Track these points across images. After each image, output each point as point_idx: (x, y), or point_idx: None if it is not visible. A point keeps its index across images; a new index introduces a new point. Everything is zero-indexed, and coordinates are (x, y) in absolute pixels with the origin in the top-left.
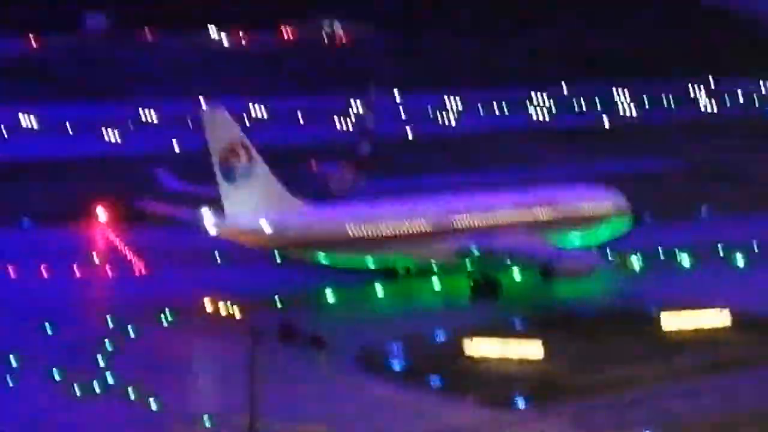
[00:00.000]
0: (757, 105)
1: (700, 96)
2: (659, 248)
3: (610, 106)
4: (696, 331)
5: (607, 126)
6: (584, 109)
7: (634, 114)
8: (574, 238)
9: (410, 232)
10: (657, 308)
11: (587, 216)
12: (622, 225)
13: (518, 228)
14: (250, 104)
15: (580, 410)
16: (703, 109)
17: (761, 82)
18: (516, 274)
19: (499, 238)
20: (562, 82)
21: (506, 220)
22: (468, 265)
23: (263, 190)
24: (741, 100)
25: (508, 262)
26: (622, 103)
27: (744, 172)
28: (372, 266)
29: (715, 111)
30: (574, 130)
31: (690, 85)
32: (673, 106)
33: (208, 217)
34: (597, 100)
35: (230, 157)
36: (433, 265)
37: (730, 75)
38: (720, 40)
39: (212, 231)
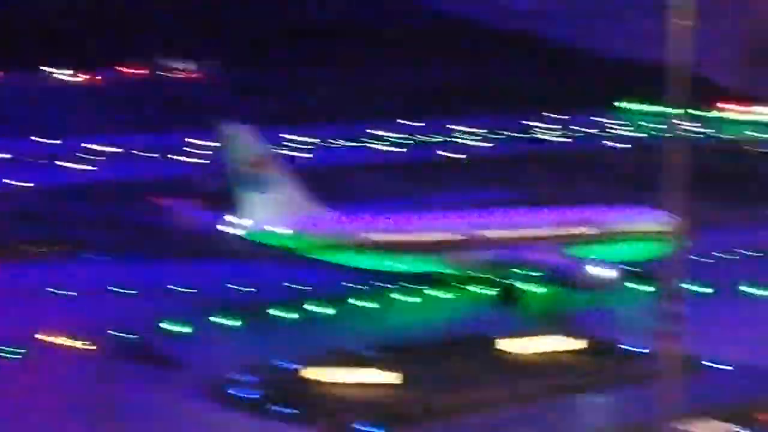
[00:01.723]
0: (601, 137)
1: (541, 130)
2: None
3: (452, 140)
4: (540, 355)
5: (448, 158)
6: (426, 142)
7: (476, 146)
8: (607, 254)
9: (435, 241)
10: (505, 333)
11: (622, 233)
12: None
13: (544, 242)
14: (95, 142)
15: None
16: (542, 142)
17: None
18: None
19: (522, 251)
20: (404, 117)
21: (533, 235)
22: (490, 274)
23: (288, 198)
24: (584, 133)
25: (530, 274)
26: (463, 137)
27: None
28: (392, 270)
29: (555, 143)
30: (417, 163)
31: (532, 119)
32: (513, 139)
33: (236, 221)
34: (438, 135)
35: (254, 169)
36: (460, 274)
37: (573, 108)
38: (565, 76)
39: (240, 234)
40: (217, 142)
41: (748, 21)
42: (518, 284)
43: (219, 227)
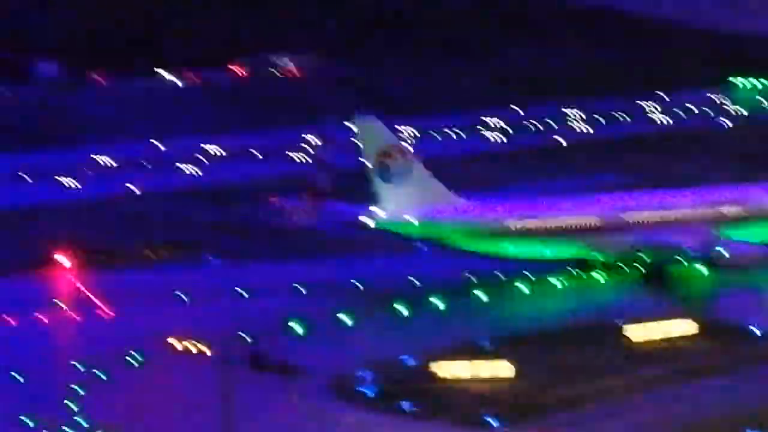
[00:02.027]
0: (710, 114)
1: (652, 110)
2: None
3: (563, 125)
4: (664, 340)
5: (564, 144)
6: (538, 129)
7: (589, 131)
8: (757, 234)
9: (581, 225)
10: (623, 319)
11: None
12: None
13: (691, 223)
14: (206, 143)
15: (556, 426)
16: (655, 123)
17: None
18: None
19: (669, 232)
20: (513, 104)
21: (679, 216)
22: (639, 257)
23: (421, 187)
24: (693, 112)
25: (678, 255)
26: (575, 122)
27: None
28: (537, 257)
29: (667, 124)
30: (529, 150)
31: (641, 100)
32: (625, 121)
33: (371, 212)
34: (548, 120)
35: (386, 159)
36: (605, 257)
37: (678, 88)
38: (663, 55)
39: (372, 225)
40: (323, 138)
41: None
42: (666, 266)
43: (359, 218)
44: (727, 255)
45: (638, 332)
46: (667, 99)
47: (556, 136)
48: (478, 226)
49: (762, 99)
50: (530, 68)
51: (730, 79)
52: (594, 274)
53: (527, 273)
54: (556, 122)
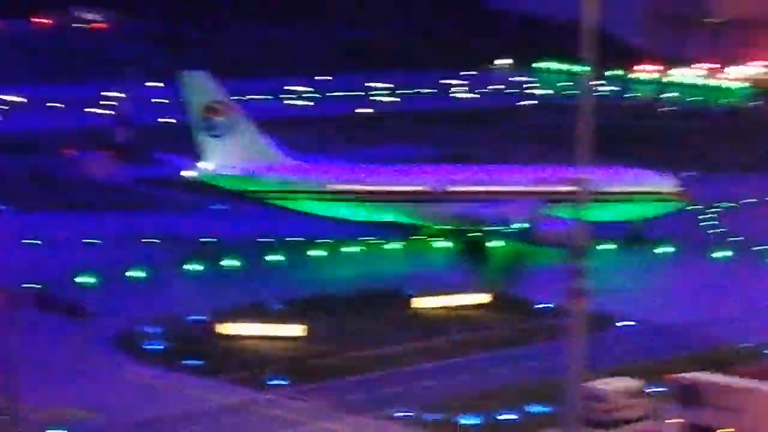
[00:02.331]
0: (515, 93)
1: (458, 86)
2: None
3: (371, 96)
4: (453, 310)
5: (368, 114)
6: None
7: (394, 102)
8: (594, 215)
9: (407, 191)
10: (416, 290)
11: (610, 194)
12: (660, 207)
13: (519, 198)
14: (6, 93)
15: (338, 389)
16: (459, 99)
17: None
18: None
19: (493, 205)
20: (323, 74)
21: (509, 190)
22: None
23: (248, 144)
24: (497, 89)
25: (497, 228)
26: (381, 93)
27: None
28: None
29: (471, 100)
30: (339, 118)
31: (449, 75)
32: (431, 95)
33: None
34: (359, 90)
35: (212, 115)
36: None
37: (485, 66)
38: (473, 32)
39: (195, 177)
40: (125, 92)
41: None
42: (483, 239)
43: (182, 172)
44: (542, 231)
45: (430, 302)
46: (479, 77)
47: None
48: (301, 186)
49: (568, 82)
50: (354, 39)
51: (537, 62)
52: (411, 242)
53: (337, 238)
54: (367, 92)
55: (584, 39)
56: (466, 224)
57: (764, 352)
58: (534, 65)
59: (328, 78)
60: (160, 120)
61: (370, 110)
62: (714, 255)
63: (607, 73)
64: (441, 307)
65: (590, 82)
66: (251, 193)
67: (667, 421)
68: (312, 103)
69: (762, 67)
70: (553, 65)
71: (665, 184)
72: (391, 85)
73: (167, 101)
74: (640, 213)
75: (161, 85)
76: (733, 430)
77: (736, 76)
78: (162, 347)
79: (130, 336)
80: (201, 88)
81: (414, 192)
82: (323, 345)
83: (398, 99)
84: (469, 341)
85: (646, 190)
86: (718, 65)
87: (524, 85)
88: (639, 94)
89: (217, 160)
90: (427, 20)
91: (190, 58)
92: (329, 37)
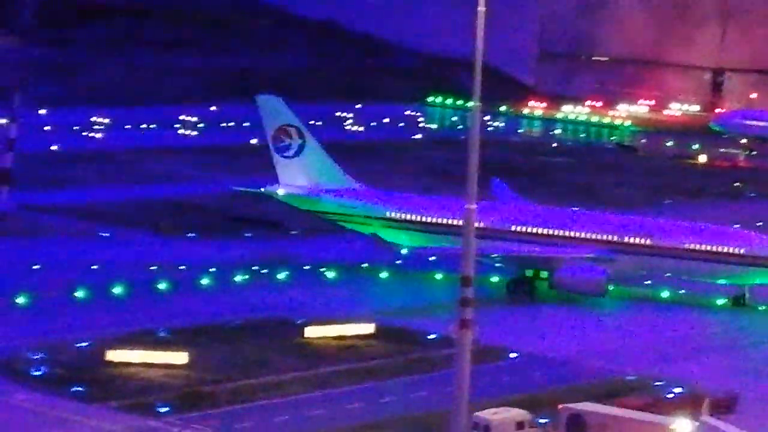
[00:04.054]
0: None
1: (350, 119)
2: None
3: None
4: (342, 339)
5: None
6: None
7: None
8: None
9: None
10: (304, 319)
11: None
12: None
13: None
14: None
15: (225, 417)
16: (351, 131)
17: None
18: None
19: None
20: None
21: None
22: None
23: (315, 165)
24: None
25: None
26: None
27: None
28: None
29: (362, 132)
30: (222, 148)
31: (341, 108)
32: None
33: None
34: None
35: (284, 136)
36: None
37: (375, 99)
38: (364, 65)
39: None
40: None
41: (554, 20)
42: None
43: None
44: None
45: (318, 331)
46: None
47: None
48: (363, 210)
49: (454, 117)
50: (245, 69)
51: (429, 96)
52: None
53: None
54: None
55: (473, 75)
56: (522, 263)
57: (654, 384)
58: (427, 99)
59: (214, 108)
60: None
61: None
62: None
63: (499, 109)
64: (333, 337)
65: (478, 118)
66: (318, 213)
67: None
68: (196, 133)
69: (647, 105)
70: (447, 100)
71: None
72: None
73: (53, 128)
74: None
75: (44, 111)
76: None
77: (623, 113)
78: (48, 373)
79: (15, 362)
80: (275, 111)
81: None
82: (211, 373)
83: None
84: (358, 371)
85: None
86: (604, 102)
87: (417, 119)
88: (528, 130)
89: (290, 180)
90: (320, 52)
91: (75, 84)
92: (220, 66)
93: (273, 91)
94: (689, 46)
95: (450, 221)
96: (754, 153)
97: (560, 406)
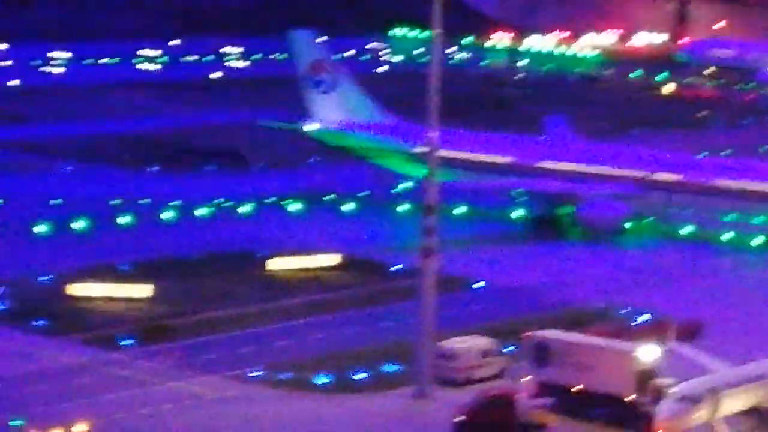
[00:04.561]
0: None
1: None
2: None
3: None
4: (306, 272)
5: (215, 77)
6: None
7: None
8: None
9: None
10: (268, 251)
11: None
12: None
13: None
14: None
15: (189, 349)
16: None
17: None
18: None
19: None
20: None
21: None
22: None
23: (350, 100)
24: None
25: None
26: (225, 57)
27: None
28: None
29: None
30: (177, 83)
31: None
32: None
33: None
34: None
35: (318, 71)
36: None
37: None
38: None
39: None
40: None
41: None
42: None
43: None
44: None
45: (281, 263)
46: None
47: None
48: (392, 146)
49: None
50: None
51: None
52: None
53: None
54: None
55: (434, 6)
56: (547, 199)
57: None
58: (389, 32)
59: (178, 42)
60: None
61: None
62: None
63: (462, 42)
64: (297, 269)
65: (439, 50)
66: (350, 149)
67: (520, 380)
68: (160, 67)
69: (613, 35)
70: (411, 32)
71: None
72: (242, 50)
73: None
74: None
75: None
76: (582, 386)
77: (589, 44)
78: (9, 308)
79: None
80: (307, 46)
81: (507, 164)
82: (174, 306)
83: (249, 63)
84: (322, 302)
85: None
86: (570, 34)
87: (379, 52)
88: (493, 62)
89: (324, 116)
90: None
91: (30, 18)
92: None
93: (228, 27)
94: None
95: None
96: (721, 81)
97: (525, 335)
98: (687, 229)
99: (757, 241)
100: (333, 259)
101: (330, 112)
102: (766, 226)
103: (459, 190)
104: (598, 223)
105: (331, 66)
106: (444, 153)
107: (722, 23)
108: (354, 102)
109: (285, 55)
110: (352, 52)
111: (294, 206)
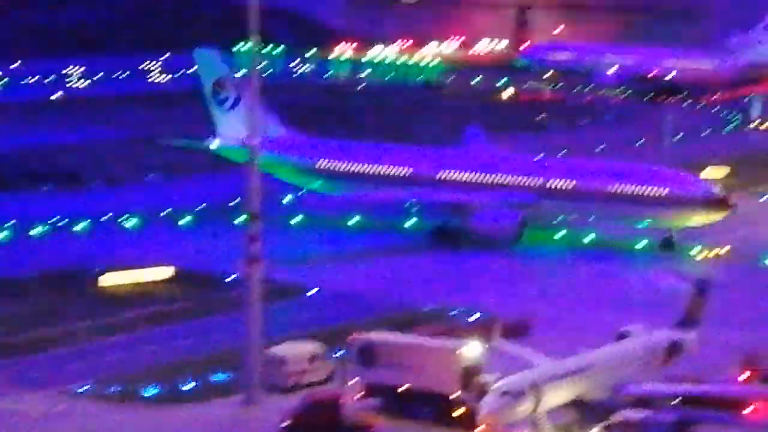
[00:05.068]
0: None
1: (152, 69)
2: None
3: (62, 79)
4: (139, 286)
5: (55, 98)
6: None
7: (86, 86)
8: None
9: (377, 173)
10: (100, 267)
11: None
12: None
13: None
14: None
15: (15, 367)
16: (154, 82)
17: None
18: None
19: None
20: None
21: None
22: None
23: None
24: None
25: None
26: (72, 76)
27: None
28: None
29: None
30: (24, 104)
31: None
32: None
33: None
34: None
35: (221, 88)
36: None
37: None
38: (172, 16)
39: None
40: None
41: None
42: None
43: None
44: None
45: (113, 278)
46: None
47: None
48: (289, 161)
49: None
50: (48, 23)
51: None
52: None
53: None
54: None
55: (250, 19)
56: (444, 210)
57: (449, 314)
58: (234, 48)
59: (18, 63)
60: None
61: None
62: None
63: (306, 54)
64: (129, 284)
65: (257, 61)
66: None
67: (349, 382)
68: None
69: (455, 43)
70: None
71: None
72: (83, 69)
73: None
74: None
75: None
76: (408, 385)
77: (432, 53)
78: None
79: None
80: (211, 64)
81: (405, 176)
82: (3, 325)
83: (91, 83)
84: (154, 315)
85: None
86: (413, 43)
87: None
88: (336, 73)
89: (228, 132)
90: (123, 4)
91: None
92: (22, 21)
93: (79, 46)
94: None
95: (382, 169)
96: (560, 85)
97: (350, 337)
98: (580, 236)
99: (643, 244)
100: (166, 272)
101: (234, 129)
102: (656, 229)
103: (356, 201)
104: (491, 232)
105: (234, 83)
106: (339, 165)
107: (561, 28)
108: (257, 118)
109: (128, 74)
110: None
111: (131, 222)
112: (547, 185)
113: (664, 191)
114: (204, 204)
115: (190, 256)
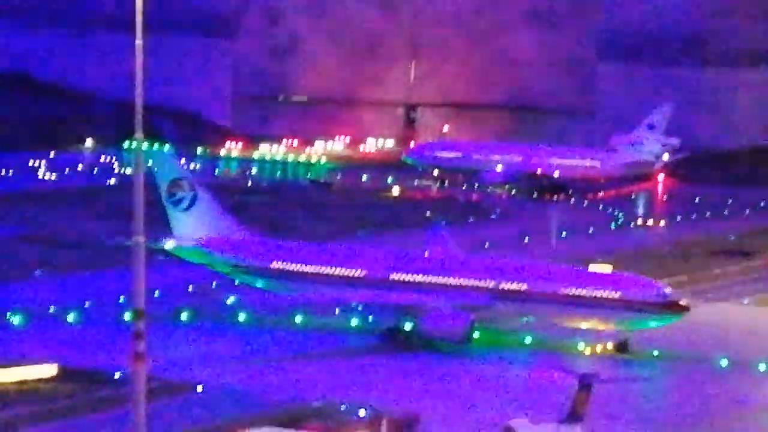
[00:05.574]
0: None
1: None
2: None
3: None
4: (21, 384)
5: None
6: None
7: None
8: None
9: (329, 274)
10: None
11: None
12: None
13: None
14: None
15: None
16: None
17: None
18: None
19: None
20: None
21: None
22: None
23: (206, 217)
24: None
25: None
26: None
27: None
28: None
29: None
30: None
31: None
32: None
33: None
34: None
35: (176, 189)
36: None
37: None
38: (57, 114)
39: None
40: None
41: (246, 65)
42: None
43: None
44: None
45: None
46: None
47: None
48: (242, 262)
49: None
50: None
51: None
52: None
53: None
54: None
55: (136, 118)
56: (394, 312)
57: (340, 408)
58: (123, 145)
59: None
60: None
61: None
62: None
63: (195, 151)
64: (13, 382)
65: (139, 158)
66: (206, 265)
67: None
68: None
69: (344, 141)
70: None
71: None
72: None
73: None
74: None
75: None
76: None
77: (320, 151)
78: None
79: None
80: (167, 165)
81: (354, 277)
82: None
83: None
84: (38, 414)
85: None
86: (301, 141)
87: (112, 165)
88: (225, 170)
89: (183, 233)
90: (10, 102)
91: None
92: None
93: None
94: (381, 83)
95: (338, 271)
96: (446, 183)
97: None
98: (530, 338)
99: (597, 347)
100: (50, 369)
101: (190, 229)
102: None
103: (306, 302)
104: (440, 334)
105: (189, 184)
106: (292, 266)
107: (447, 127)
108: (211, 218)
109: (13, 172)
110: (80, 167)
111: (17, 319)
112: (500, 287)
113: (616, 294)
114: (93, 300)
115: (75, 353)
